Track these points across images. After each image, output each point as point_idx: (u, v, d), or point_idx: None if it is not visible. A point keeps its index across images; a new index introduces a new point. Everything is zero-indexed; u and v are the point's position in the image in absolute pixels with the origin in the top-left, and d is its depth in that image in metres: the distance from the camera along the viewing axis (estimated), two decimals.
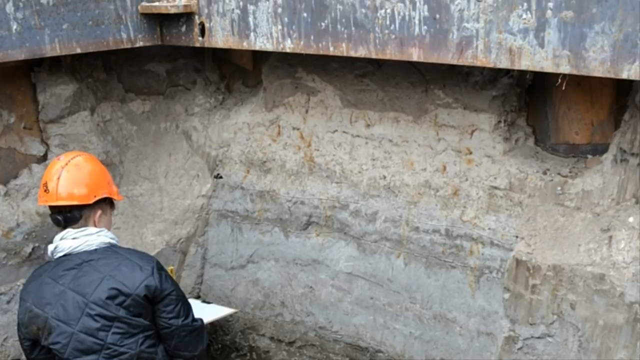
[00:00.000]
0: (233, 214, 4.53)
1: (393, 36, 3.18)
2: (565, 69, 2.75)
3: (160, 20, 4.02)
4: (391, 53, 3.22)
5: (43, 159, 4.00)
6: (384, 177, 3.89)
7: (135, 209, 4.39)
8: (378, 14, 3.19)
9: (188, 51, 4.53)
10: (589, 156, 3.43)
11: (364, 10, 3.23)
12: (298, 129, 4.22)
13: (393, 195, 3.87)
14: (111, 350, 3.05)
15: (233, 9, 3.69)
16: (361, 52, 3.32)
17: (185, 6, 3.83)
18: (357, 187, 4.00)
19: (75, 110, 4.07)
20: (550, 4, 2.69)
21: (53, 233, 3.35)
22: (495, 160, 3.54)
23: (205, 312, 3.99)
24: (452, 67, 3.49)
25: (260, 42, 3.66)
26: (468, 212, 3.63)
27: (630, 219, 3.08)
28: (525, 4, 2.75)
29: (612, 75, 2.64)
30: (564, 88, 3.04)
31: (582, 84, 3.31)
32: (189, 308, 3.32)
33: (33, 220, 3.81)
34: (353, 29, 3.30)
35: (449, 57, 3.04)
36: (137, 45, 3.98)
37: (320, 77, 4.07)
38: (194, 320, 3.32)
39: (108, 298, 3.05)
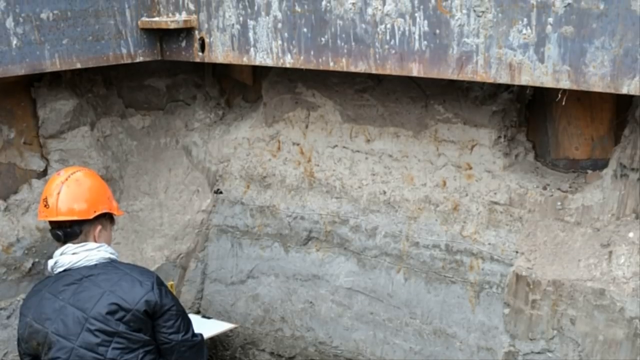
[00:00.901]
0: (233, 229, 4.53)
1: (393, 51, 3.18)
2: (565, 84, 2.75)
3: (160, 36, 4.03)
4: (391, 68, 3.23)
5: (43, 174, 4.00)
6: (384, 192, 3.89)
7: (135, 224, 4.39)
8: (378, 29, 3.20)
9: (188, 66, 4.53)
10: (589, 171, 3.43)
11: (364, 26, 3.24)
12: (298, 144, 4.22)
13: (393, 211, 3.87)
14: None
15: (233, 24, 3.71)
16: (361, 67, 3.33)
17: (185, 21, 3.84)
18: (357, 202, 4.00)
19: (75, 126, 4.07)
20: (550, 19, 2.70)
21: (53, 248, 3.35)
22: (495, 175, 3.54)
23: (205, 327, 3.99)
24: (452, 82, 3.50)
25: (260, 57, 3.67)
26: (468, 227, 3.63)
27: (630, 234, 3.08)
28: (525, 19, 2.76)
29: (612, 91, 2.64)
30: (564, 103, 3.04)
31: (582, 99, 3.31)
32: (189, 323, 3.31)
33: (33, 236, 3.80)
34: (353, 44, 3.30)
35: (449, 72, 3.05)
36: (137, 60, 3.99)
37: (320, 92, 4.07)
38: (194, 335, 3.32)
39: (108, 313, 3.05)
